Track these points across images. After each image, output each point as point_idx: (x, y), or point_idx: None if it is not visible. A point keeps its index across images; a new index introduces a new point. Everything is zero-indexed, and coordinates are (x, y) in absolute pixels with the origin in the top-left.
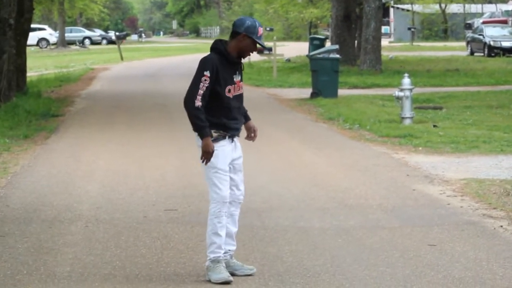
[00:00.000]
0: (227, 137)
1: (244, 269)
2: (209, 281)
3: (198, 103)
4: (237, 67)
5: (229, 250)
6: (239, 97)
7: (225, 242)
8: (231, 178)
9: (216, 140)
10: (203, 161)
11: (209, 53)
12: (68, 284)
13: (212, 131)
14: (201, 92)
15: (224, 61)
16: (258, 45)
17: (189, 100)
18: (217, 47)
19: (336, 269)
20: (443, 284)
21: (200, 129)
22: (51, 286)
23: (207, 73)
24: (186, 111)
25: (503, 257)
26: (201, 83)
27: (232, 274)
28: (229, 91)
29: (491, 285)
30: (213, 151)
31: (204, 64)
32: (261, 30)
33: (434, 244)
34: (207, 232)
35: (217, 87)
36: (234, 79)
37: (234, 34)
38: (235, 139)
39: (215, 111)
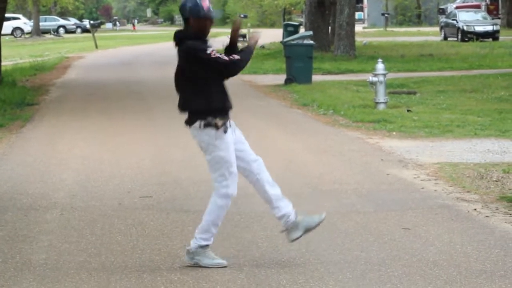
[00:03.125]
0: (228, 125)
1: (313, 220)
2: (196, 264)
3: (225, 58)
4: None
5: (289, 211)
6: None
7: (280, 208)
8: (242, 150)
9: (224, 131)
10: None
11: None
12: (44, 272)
13: (217, 119)
14: (220, 57)
15: (200, 42)
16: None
17: (230, 67)
18: (185, 35)
19: (311, 254)
20: (417, 268)
21: (248, 56)
22: (27, 273)
23: (208, 50)
24: (240, 70)
25: (476, 240)
26: (215, 57)
27: (309, 230)
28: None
29: (465, 268)
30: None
31: (198, 49)
32: (205, 4)
33: (409, 228)
34: (206, 219)
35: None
36: None
37: (185, 20)
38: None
39: (215, 95)
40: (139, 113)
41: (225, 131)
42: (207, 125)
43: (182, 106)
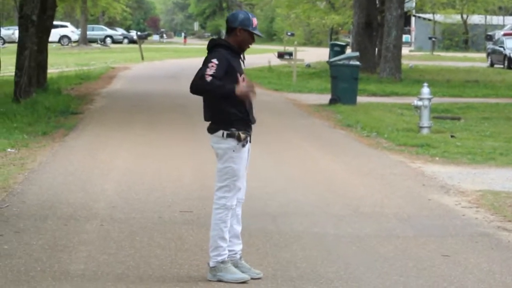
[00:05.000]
0: (248, 139)
1: (251, 273)
2: (220, 281)
3: (208, 78)
4: (239, 59)
5: (238, 250)
6: None
7: (232, 243)
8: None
9: (244, 144)
10: (251, 94)
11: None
12: (82, 283)
13: (240, 132)
14: (209, 71)
15: (230, 53)
16: (255, 36)
17: (198, 80)
18: (218, 42)
19: (349, 276)
20: None
21: (226, 90)
22: (65, 283)
23: (214, 60)
24: (201, 89)
25: None
26: (207, 68)
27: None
28: (243, 79)
29: None
30: (253, 86)
31: (212, 55)
32: (255, 21)
33: (448, 255)
34: (211, 236)
35: (232, 77)
36: (243, 69)
37: (230, 29)
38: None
39: (238, 107)
40: (183, 126)
41: (244, 145)
42: (229, 135)
43: (205, 115)
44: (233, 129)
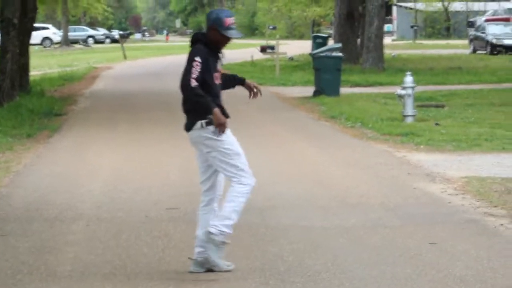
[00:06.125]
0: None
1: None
2: (208, 243)
3: (194, 83)
4: (218, 56)
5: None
6: (220, 86)
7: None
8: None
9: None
10: (220, 133)
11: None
12: (69, 284)
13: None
14: (193, 76)
15: (208, 51)
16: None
17: (185, 84)
18: (200, 38)
19: (337, 268)
20: (444, 283)
21: (206, 104)
22: (52, 285)
23: (197, 59)
24: (185, 95)
25: (504, 255)
26: (193, 68)
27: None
28: (216, 78)
29: (491, 284)
30: (225, 121)
31: (195, 53)
32: (229, 21)
33: (435, 242)
34: (227, 206)
35: (207, 75)
36: (217, 67)
37: (207, 28)
38: None
39: (215, 99)
40: (168, 124)
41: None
42: (208, 123)
43: (184, 106)
44: (210, 116)
